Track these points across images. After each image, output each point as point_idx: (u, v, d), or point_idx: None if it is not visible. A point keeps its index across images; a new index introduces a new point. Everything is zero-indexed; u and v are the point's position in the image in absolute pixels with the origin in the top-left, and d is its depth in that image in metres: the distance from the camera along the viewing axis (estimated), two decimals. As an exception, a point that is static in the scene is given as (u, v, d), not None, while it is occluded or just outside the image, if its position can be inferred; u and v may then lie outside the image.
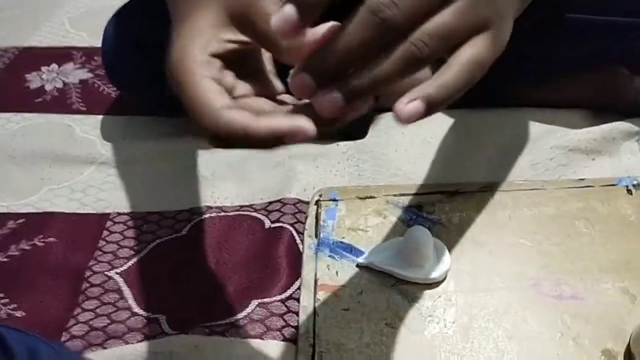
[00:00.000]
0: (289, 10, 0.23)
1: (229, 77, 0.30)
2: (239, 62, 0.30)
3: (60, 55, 0.84)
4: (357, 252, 0.51)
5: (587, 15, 0.58)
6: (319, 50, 0.25)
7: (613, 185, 0.54)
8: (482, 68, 0.26)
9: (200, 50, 0.28)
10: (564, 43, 0.59)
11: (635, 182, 0.54)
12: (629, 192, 0.54)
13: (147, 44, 0.57)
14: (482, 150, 0.60)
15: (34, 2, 0.98)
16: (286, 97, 0.31)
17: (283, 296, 0.49)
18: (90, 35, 0.86)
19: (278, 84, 0.32)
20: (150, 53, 0.58)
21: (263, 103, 0.30)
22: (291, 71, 0.26)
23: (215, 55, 0.29)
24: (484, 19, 0.26)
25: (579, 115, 0.62)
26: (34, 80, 0.79)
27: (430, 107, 0.25)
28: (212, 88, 0.27)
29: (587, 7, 0.57)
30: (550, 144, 0.59)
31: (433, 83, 0.26)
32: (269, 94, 0.31)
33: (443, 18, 0.25)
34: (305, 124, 0.25)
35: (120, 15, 0.60)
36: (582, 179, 0.55)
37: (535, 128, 0.61)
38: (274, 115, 0.27)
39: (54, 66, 0.82)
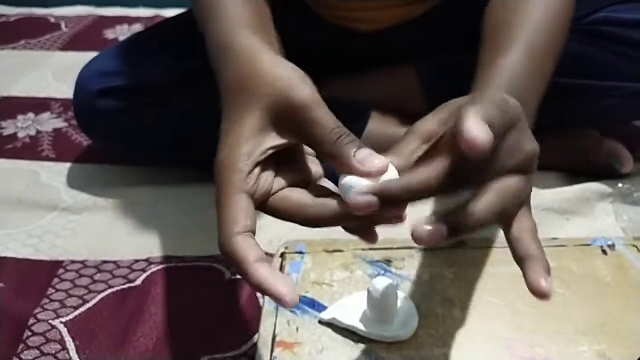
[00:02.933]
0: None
1: (267, 179, 0.31)
2: (281, 156, 0.32)
3: (38, 104, 0.84)
4: (320, 307, 0.48)
5: (558, 79, 0.59)
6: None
7: (587, 245, 0.52)
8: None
9: (244, 162, 0.30)
10: None
11: (610, 243, 0.52)
12: (604, 252, 0.52)
13: (116, 89, 0.57)
14: (454, 206, 0.59)
15: (21, 55, 1.00)
16: (325, 182, 0.32)
17: (236, 352, 0.45)
18: (71, 87, 0.85)
19: (317, 169, 0.33)
20: (118, 98, 0.58)
21: (299, 194, 0.31)
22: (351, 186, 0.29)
23: (258, 163, 0.30)
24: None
25: (552, 176, 0.62)
26: (8, 127, 0.79)
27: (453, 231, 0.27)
28: (239, 206, 0.29)
29: (558, 70, 0.59)
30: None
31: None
32: (309, 179, 0.33)
33: (519, 184, 0.29)
34: (285, 294, 0.27)
35: (92, 62, 0.61)
36: (556, 238, 0.53)
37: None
38: (272, 275, 0.28)
39: (31, 115, 0.81)
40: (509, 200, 0.29)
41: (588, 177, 0.60)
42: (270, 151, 0.31)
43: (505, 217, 0.29)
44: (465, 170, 0.27)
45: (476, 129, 0.25)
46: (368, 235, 0.32)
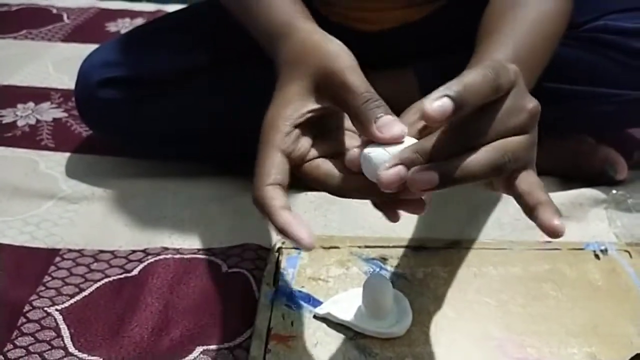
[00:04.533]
0: (447, 103, 0.27)
1: (304, 144, 0.34)
2: (320, 122, 0.34)
3: (39, 94, 0.84)
4: (316, 303, 0.48)
5: (556, 84, 0.60)
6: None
7: (581, 249, 0.53)
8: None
9: (284, 122, 0.33)
10: None
11: (602, 248, 0.53)
12: (597, 257, 0.53)
13: (117, 80, 0.57)
14: (451, 207, 0.59)
15: (23, 44, 1.00)
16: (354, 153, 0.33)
17: (231, 344, 0.46)
18: (71, 78, 0.86)
19: (353, 142, 0.35)
20: (120, 89, 0.58)
21: (330, 165, 0.33)
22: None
23: (297, 125, 0.33)
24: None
25: (547, 181, 0.62)
26: (8, 115, 0.79)
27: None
28: (274, 161, 0.32)
29: (553, 75, 0.59)
30: (518, 207, 0.58)
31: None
32: (343, 150, 0.35)
33: (520, 144, 0.30)
34: (304, 237, 0.30)
35: (95, 53, 0.61)
36: (550, 242, 0.54)
37: (504, 190, 0.61)
38: (294, 220, 0.30)
39: (31, 104, 0.81)
40: (507, 157, 0.29)
41: (582, 183, 0.61)
42: (309, 114, 0.34)
43: (502, 173, 0.29)
44: (467, 132, 0.29)
45: (429, 104, 0.27)
46: (390, 214, 0.34)
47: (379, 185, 0.29)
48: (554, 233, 0.29)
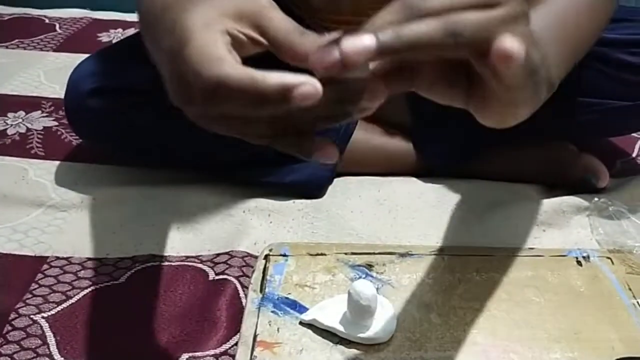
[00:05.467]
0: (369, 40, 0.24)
1: (245, 34, 0.29)
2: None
3: (29, 103, 0.84)
4: (302, 309, 0.49)
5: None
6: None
7: (563, 256, 0.54)
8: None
9: (215, 20, 0.28)
10: None
11: (585, 254, 0.54)
12: (579, 263, 0.53)
13: (107, 89, 0.58)
14: (436, 215, 0.60)
15: (15, 54, 1.01)
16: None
17: (217, 351, 0.46)
18: (62, 87, 0.85)
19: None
20: (109, 98, 0.59)
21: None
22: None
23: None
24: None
25: (530, 188, 0.63)
26: (-2, 123, 0.79)
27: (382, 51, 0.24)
28: (223, 40, 0.27)
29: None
30: (502, 214, 0.59)
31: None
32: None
33: (487, 15, 0.25)
34: (313, 81, 0.25)
35: (84, 63, 0.62)
36: (532, 248, 0.55)
37: (489, 198, 0.62)
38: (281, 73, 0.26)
39: (21, 113, 0.82)
40: (467, 20, 0.25)
41: (565, 191, 0.62)
42: (238, 34, 0.29)
43: (449, 46, 0.25)
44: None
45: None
46: (305, 146, 0.29)
47: (313, 61, 0.25)
48: (502, 53, 0.25)
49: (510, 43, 0.25)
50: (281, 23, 0.29)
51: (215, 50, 0.27)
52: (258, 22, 0.29)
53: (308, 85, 0.25)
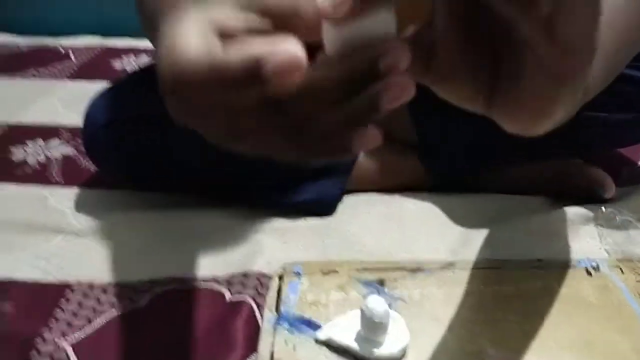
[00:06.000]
0: None
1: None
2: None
3: (48, 131, 0.87)
4: (316, 327, 0.50)
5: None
6: None
7: (572, 266, 0.55)
8: None
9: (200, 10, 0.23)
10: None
11: (594, 264, 0.55)
12: (589, 273, 0.54)
13: (119, 120, 0.60)
14: (445, 230, 0.61)
15: (31, 83, 1.04)
16: None
17: (236, 370, 0.47)
18: (79, 115, 0.89)
19: None
20: (122, 129, 0.61)
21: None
22: None
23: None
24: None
25: (537, 200, 0.64)
26: (17, 153, 0.82)
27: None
28: (199, 28, 0.22)
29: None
30: (510, 226, 0.60)
31: None
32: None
33: None
34: (290, 45, 0.19)
35: (98, 97, 0.64)
36: (541, 260, 0.56)
37: (496, 211, 0.63)
38: (249, 40, 0.21)
39: (40, 141, 0.85)
40: None
41: (572, 202, 0.63)
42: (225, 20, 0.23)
43: None
44: None
45: None
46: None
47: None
48: None
49: None
50: None
51: (181, 39, 0.22)
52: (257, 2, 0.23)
53: (282, 51, 0.19)
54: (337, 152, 0.23)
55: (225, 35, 0.22)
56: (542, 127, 0.26)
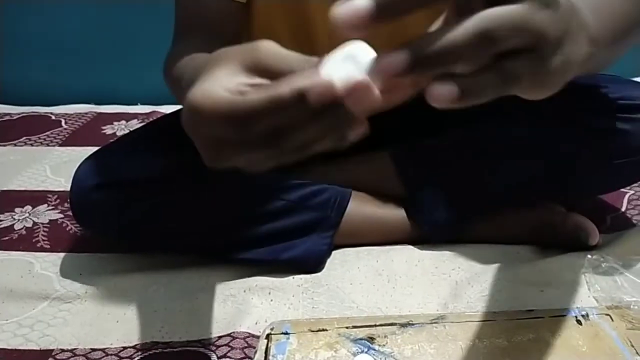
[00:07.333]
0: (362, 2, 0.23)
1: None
2: None
3: (36, 197, 0.87)
4: (305, 388, 0.49)
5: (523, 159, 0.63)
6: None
7: (562, 316, 0.54)
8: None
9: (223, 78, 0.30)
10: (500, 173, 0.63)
11: (584, 313, 0.54)
12: (579, 322, 0.54)
13: (108, 183, 0.61)
14: (434, 282, 0.61)
15: (22, 150, 1.05)
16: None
17: None
18: (68, 180, 0.89)
19: None
20: (110, 191, 0.62)
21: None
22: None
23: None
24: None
25: (526, 250, 0.64)
26: (5, 220, 0.81)
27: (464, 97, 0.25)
28: (229, 80, 0.30)
29: (520, 150, 0.63)
30: (499, 277, 0.60)
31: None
32: None
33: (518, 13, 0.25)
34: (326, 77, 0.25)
35: (87, 161, 0.65)
36: (532, 310, 0.55)
37: (485, 262, 0.63)
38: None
39: (28, 207, 0.84)
40: (501, 21, 0.24)
41: (559, 250, 0.63)
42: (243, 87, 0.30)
43: (488, 46, 0.24)
44: None
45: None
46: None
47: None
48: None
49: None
50: (287, 53, 0.30)
51: (220, 83, 0.30)
52: (264, 66, 0.30)
53: (322, 81, 0.26)
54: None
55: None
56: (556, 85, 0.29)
